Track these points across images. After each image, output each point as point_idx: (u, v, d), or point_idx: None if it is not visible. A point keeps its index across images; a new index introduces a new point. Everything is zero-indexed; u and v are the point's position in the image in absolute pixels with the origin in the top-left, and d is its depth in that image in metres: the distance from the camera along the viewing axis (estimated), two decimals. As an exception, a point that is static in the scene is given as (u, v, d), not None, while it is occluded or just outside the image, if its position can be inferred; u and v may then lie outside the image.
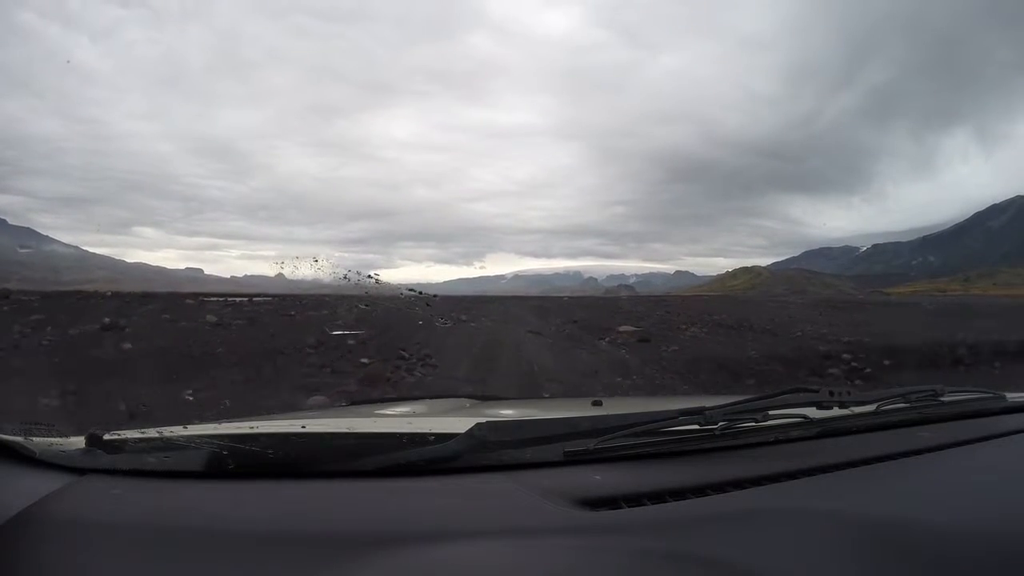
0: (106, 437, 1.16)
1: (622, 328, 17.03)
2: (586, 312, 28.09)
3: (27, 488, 1.03)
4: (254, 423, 1.34)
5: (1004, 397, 1.65)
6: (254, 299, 41.18)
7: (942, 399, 1.52)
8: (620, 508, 0.99)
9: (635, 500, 1.01)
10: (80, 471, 1.11)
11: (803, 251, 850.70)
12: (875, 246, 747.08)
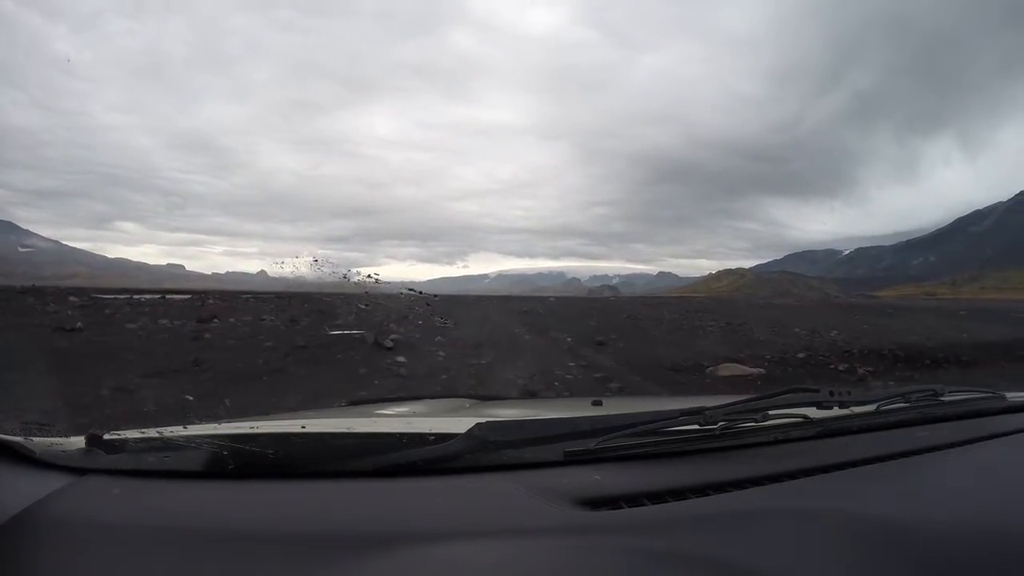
0: (106, 437, 1.15)
1: (724, 370, 8.56)
2: (597, 322, 19.67)
3: (27, 488, 1.02)
4: (254, 423, 1.33)
5: (1004, 397, 1.63)
6: (167, 296, 35.60)
7: (942, 399, 1.51)
8: (620, 508, 0.98)
9: (635, 500, 1.00)
10: (80, 471, 1.09)
11: (785, 254, 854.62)
12: (858, 250, 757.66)
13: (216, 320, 15.85)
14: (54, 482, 1.05)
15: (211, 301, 29.54)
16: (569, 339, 13.52)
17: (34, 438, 1.14)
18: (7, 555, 0.89)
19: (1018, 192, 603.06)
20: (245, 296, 38.11)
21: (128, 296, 33.49)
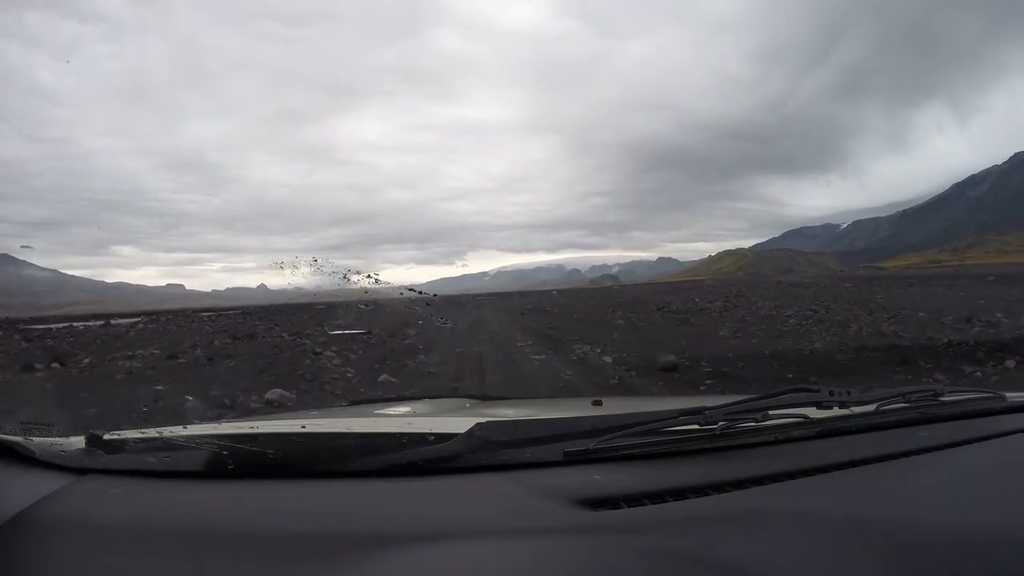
0: (106, 437, 1.15)
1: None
2: (626, 321, 14.72)
3: (27, 488, 1.03)
4: (254, 423, 1.34)
5: (1004, 397, 1.61)
6: (111, 322, 29.52)
7: (942, 399, 1.50)
8: (620, 508, 0.97)
9: (635, 500, 0.99)
10: (80, 471, 1.10)
11: (783, 231, 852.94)
12: (855, 223, 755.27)
13: (56, 364, 10.93)
14: (54, 482, 1.05)
15: (143, 325, 24.68)
16: (608, 359, 8.44)
17: (34, 438, 1.14)
18: (7, 555, 0.89)
19: (1012, 155, 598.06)
20: (207, 315, 33.53)
21: (68, 324, 29.35)
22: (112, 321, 29.91)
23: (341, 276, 2.68)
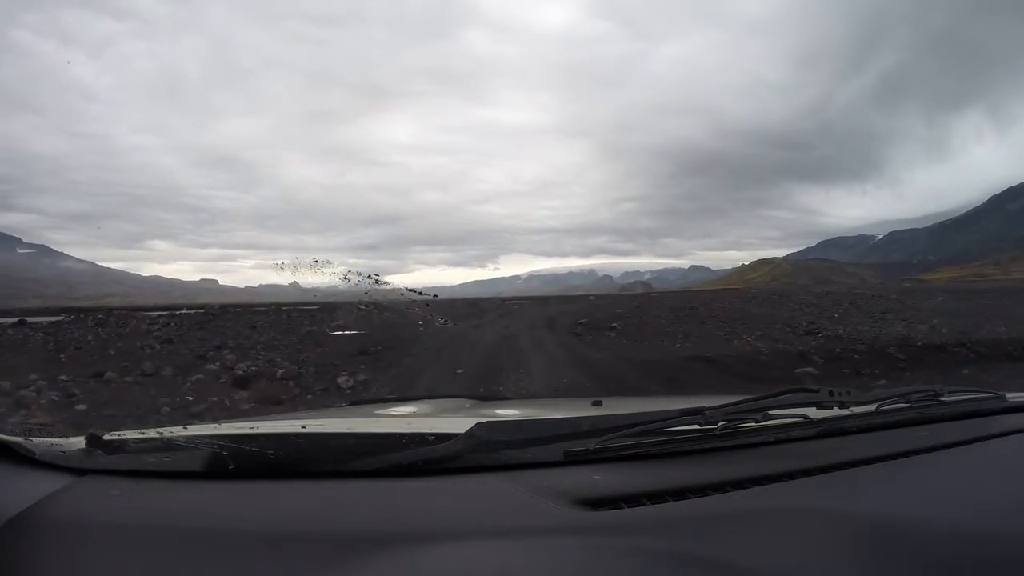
0: (106, 437, 1.15)
1: None
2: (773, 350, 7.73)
3: (27, 488, 1.03)
4: (254, 423, 1.35)
5: (1004, 397, 1.60)
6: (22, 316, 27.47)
7: (942, 399, 1.49)
8: (620, 508, 0.97)
9: (635, 500, 0.99)
10: (80, 471, 1.10)
11: (818, 241, 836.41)
12: (891, 234, 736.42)
13: None
14: (54, 482, 1.05)
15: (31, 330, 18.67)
16: None
17: (34, 438, 1.14)
18: (7, 555, 0.89)
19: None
20: (157, 314, 28.36)
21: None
22: (28, 319, 25.57)
23: (341, 277, 2.62)
